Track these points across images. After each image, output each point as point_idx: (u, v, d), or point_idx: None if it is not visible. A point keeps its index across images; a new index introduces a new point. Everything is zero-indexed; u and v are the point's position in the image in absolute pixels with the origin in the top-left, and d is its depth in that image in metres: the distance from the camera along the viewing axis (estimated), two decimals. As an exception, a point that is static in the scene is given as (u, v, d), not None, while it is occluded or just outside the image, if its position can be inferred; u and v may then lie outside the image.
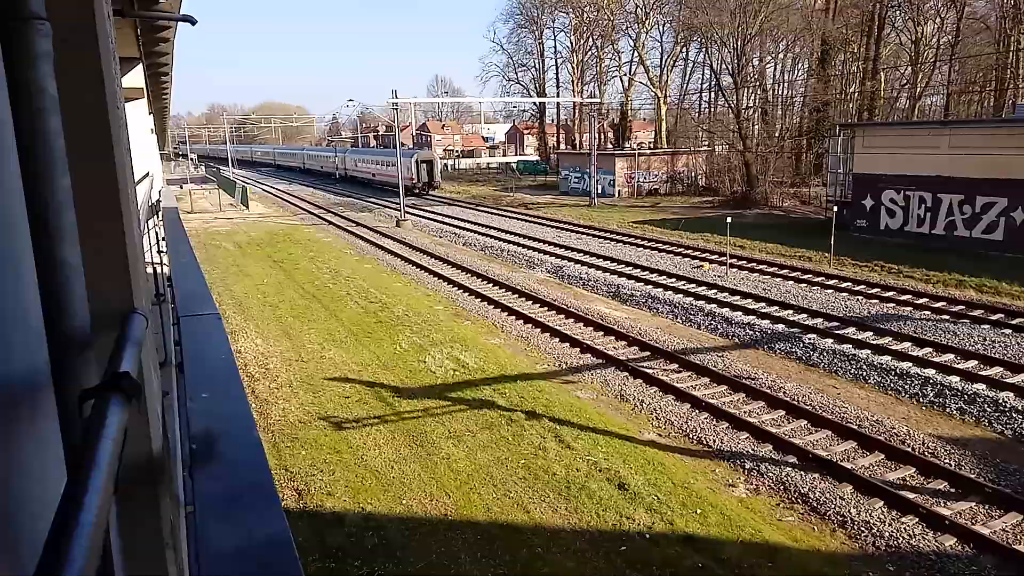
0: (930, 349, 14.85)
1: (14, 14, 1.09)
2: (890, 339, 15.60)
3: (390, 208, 43.73)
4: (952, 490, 9.88)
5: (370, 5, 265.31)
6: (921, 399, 12.93)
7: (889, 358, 14.42)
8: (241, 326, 18.36)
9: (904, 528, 9.03)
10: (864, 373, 14.06)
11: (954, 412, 12.35)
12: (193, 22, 6.34)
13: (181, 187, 58.44)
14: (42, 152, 1.17)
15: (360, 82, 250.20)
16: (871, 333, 16.05)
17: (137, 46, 7.87)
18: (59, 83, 1.18)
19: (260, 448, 2.01)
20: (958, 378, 13.24)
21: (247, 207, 45.64)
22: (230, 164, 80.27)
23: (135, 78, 9.31)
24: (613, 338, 16.95)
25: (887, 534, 8.95)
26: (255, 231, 37.04)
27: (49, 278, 1.10)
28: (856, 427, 11.71)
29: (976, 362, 14.03)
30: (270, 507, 1.69)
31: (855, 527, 9.14)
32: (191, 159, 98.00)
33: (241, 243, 33.05)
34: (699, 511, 9.53)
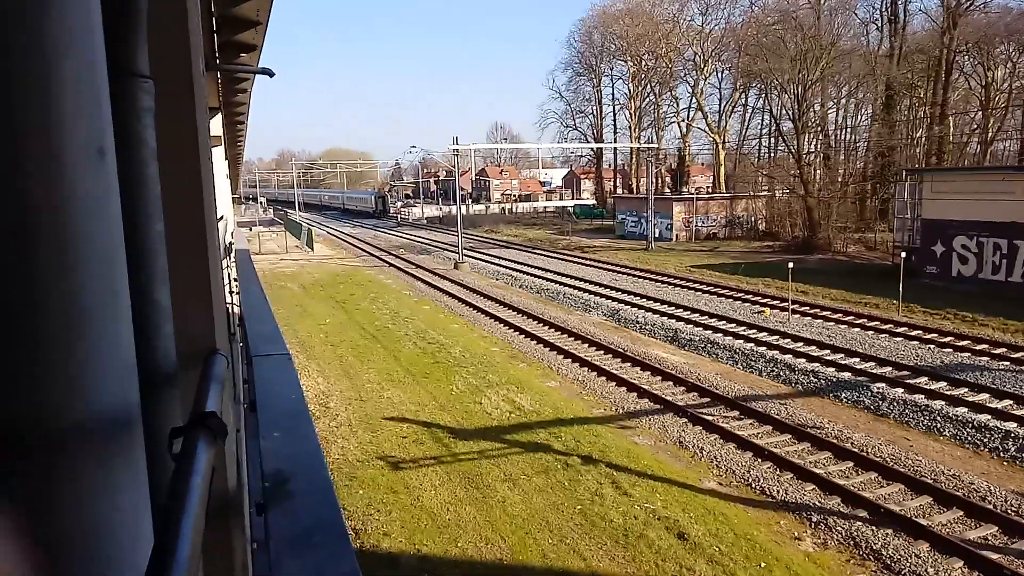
0: (1010, 401, 14.08)
1: (121, 72, 1.17)
2: (966, 390, 14.87)
3: (449, 251, 44.36)
4: (1039, 554, 9.26)
5: (432, 56, 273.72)
6: (1002, 453, 12.23)
7: (965, 410, 13.73)
8: (304, 365, 18.74)
9: (986, 593, 8.48)
10: (939, 425, 13.42)
11: (1039, 470, 11.64)
12: (271, 75, 6.68)
13: (250, 229, 60.58)
14: (141, 199, 1.24)
15: (422, 129, 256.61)
16: (945, 383, 15.34)
17: (218, 97, 8.31)
18: (158, 134, 1.26)
19: (331, 488, 2.03)
20: (1042, 433, 12.50)
21: (312, 249, 46.96)
22: (297, 208, 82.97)
23: (215, 127, 9.82)
24: (671, 383, 16.64)
25: (968, 599, 8.41)
26: (319, 272, 38.01)
27: (142, 318, 1.16)
28: (931, 481, 11.13)
29: (1061, 417, 13.24)
30: (341, 547, 1.70)
31: (932, 590, 8.63)
32: (260, 202, 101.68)
33: (305, 284, 33.94)
34: (763, 564, 9.15)
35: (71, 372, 0.73)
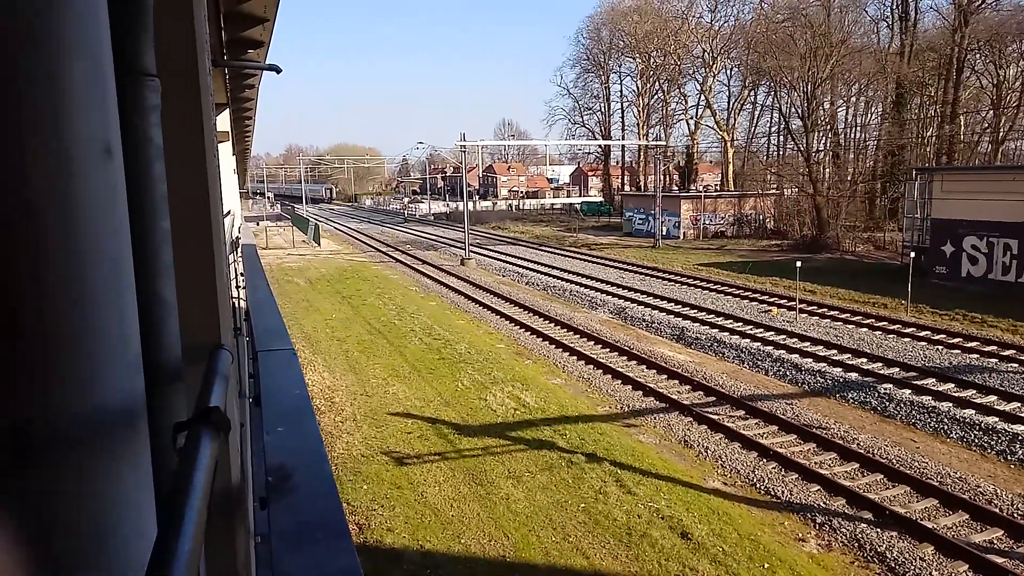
0: (1018, 404, 14.01)
1: (128, 71, 1.18)
2: (974, 392, 14.80)
3: (456, 247, 44.39)
4: (1045, 557, 9.22)
5: (441, 52, 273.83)
6: (1009, 456, 12.18)
7: (973, 412, 13.67)
8: (309, 360, 18.80)
9: (991, 596, 8.45)
10: (946, 427, 13.37)
11: (1046, 472, 11.59)
12: (278, 71, 6.69)
13: (258, 224, 60.75)
14: (147, 196, 1.26)
15: (430, 125, 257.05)
16: (953, 385, 15.28)
17: (225, 93, 8.33)
18: (164, 132, 1.27)
19: (332, 484, 2.05)
20: (1049, 436, 12.44)
21: (319, 244, 47.05)
22: (304, 202, 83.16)
23: (223, 122, 9.85)
24: (677, 382, 16.63)
25: (972, 601, 8.39)
26: (325, 267, 38.09)
27: (146, 313, 1.18)
28: (937, 484, 11.10)
29: (1069, 419, 13.16)
30: (341, 542, 1.71)
31: (936, 592, 8.61)
32: (268, 197, 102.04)
33: (312, 279, 34.02)
34: (767, 565, 9.15)
35: (78, 368, 0.74)
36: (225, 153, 12.08)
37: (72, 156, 0.72)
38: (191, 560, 0.70)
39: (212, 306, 1.78)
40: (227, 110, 9.94)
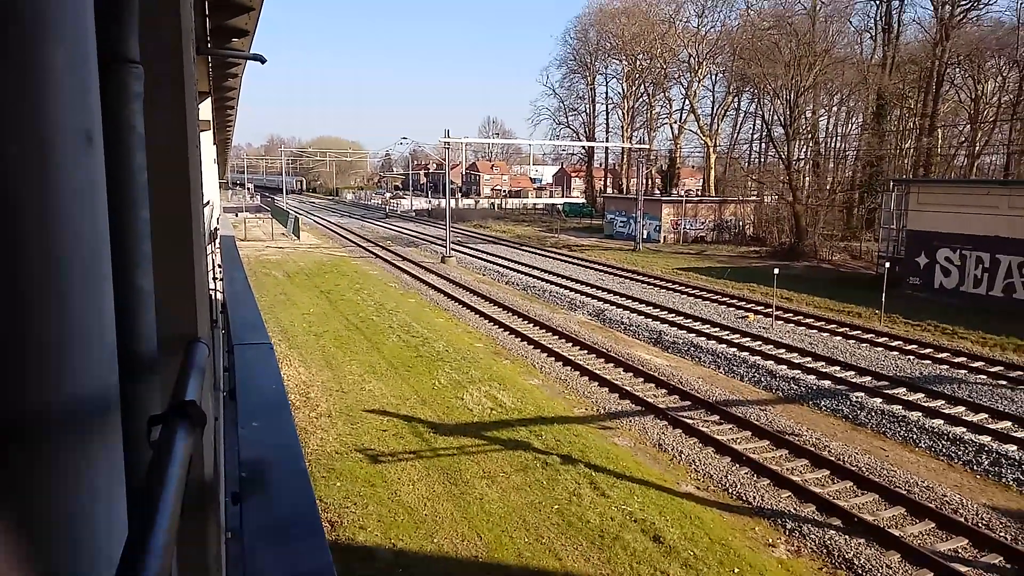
0: (985, 415, 14.27)
1: (111, 58, 1.16)
2: (943, 402, 15.05)
3: (437, 245, 44.28)
4: (1008, 566, 9.39)
5: (428, 47, 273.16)
6: (975, 467, 12.40)
7: (941, 422, 13.90)
8: (285, 354, 18.65)
9: (955, 603, 8.60)
10: (915, 436, 13.57)
11: (1011, 483, 11.80)
12: (263, 61, 6.63)
13: (236, 215, 60.13)
14: (128, 185, 1.24)
15: (413, 121, 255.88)
16: (923, 395, 15.51)
17: (208, 81, 8.23)
18: (146, 120, 1.25)
19: (307, 480, 2.03)
20: (1015, 447, 12.67)
21: (298, 237, 46.70)
22: (284, 194, 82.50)
23: (204, 111, 9.75)
24: (653, 385, 16.71)
25: (936, 608, 8.52)
26: (304, 261, 37.81)
27: (124, 304, 1.16)
28: (905, 492, 11.27)
29: (1035, 431, 13.42)
30: (315, 539, 1.70)
31: (902, 598, 8.73)
32: (248, 188, 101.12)
33: (290, 272, 33.76)
34: (737, 570, 9.23)
35: (52, 358, 0.72)
36: (206, 143, 11.95)
37: (52, 144, 0.70)
38: (164, 555, 0.70)
39: (190, 298, 1.76)
40: (209, 99, 9.83)
